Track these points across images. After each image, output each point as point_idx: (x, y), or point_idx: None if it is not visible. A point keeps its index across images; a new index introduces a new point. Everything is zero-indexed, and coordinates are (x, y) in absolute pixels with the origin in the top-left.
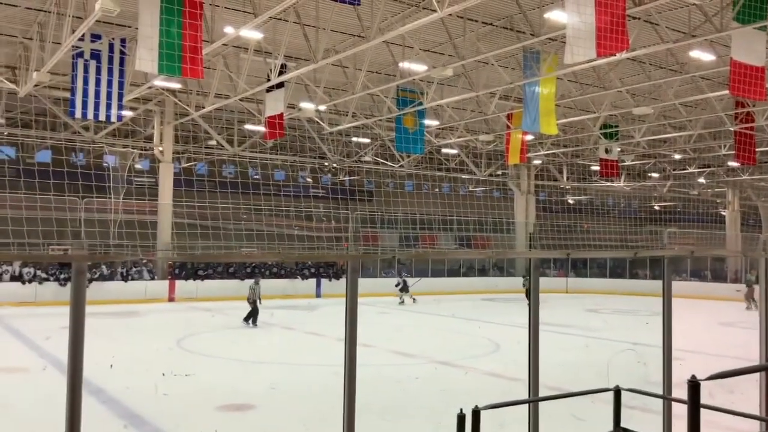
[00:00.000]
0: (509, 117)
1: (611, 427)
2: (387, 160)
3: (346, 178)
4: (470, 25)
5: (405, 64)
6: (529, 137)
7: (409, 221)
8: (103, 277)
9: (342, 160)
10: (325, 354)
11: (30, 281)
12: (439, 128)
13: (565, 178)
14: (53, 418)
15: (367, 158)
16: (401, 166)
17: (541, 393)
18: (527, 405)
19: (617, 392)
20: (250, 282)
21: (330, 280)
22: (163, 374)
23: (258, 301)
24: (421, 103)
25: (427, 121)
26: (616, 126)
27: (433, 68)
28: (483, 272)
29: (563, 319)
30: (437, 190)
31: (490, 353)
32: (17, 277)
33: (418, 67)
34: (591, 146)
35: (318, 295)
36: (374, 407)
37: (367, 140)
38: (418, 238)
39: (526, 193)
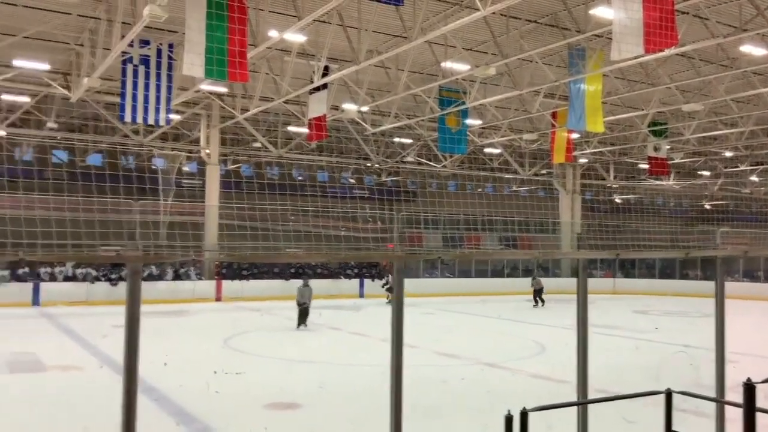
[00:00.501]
0: (554, 115)
1: (662, 431)
2: (430, 161)
3: (389, 178)
4: (513, 23)
5: (447, 64)
6: (575, 135)
7: (452, 221)
8: (152, 277)
9: (385, 160)
10: (371, 354)
11: (82, 281)
12: (482, 127)
13: (611, 177)
14: (107, 415)
15: (409, 158)
16: (444, 166)
17: (590, 395)
18: (576, 407)
19: (668, 395)
20: (296, 282)
21: (373, 280)
22: (215, 372)
23: (308, 303)
24: (463, 103)
25: (469, 121)
26: (665, 123)
27: (475, 67)
28: (528, 273)
29: (611, 321)
30: (480, 190)
31: (535, 355)
32: (70, 277)
33: (461, 67)
34: (639, 144)
35: (361, 296)
36: (421, 407)
37: (409, 141)
38: (462, 238)
39: (571, 192)
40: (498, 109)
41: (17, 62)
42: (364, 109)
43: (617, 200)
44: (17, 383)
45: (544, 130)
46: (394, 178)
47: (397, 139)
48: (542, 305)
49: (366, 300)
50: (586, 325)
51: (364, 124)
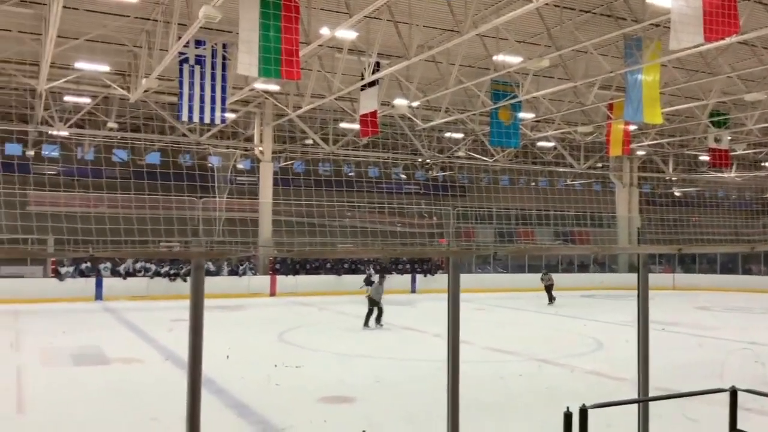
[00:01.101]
0: (610, 107)
1: (726, 430)
2: (481, 155)
3: (440, 173)
4: (567, 14)
5: (499, 57)
6: (632, 127)
7: (504, 216)
8: (208, 272)
9: (436, 155)
10: (425, 349)
11: (142, 276)
12: (535, 121)
13: (670, 170)
14: (171, 405)
15: (460, 153)
16: (496, 160)
17: (651, 393)
18: (636, 405)
19: (733, 393)
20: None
21: (425, 276)
22: (275, 366)
23: (380, 299)
24: (516, 96)
25: (522, 114)
26: (726, 113)
27: (528, 59)
28: (583, 268)
29: (672, 317)
30: (534, 184)
31: (592, 351)
32: (131, 273)
33: (513, 59)
34: (699, 135)
35: (413, 291)
36: (478, 404)
37: (460, 135)
38: (515, 233)
39: (628, 185)
40: (552, 102)
41: (79, 64)
42: (415, 104)
43: (676, 193)
44: (83, 375)
45: (599, 123)
46: (445, 173)
47: (448, 134)
48: (552, 302)
49: (418, 295)
50: (647, 321)
51: (414, 119)
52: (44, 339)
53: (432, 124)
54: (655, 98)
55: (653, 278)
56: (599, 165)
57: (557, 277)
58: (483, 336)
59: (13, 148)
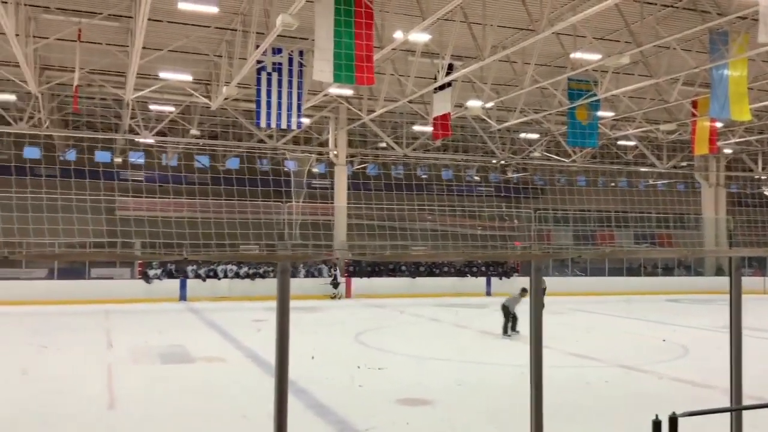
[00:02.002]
0: (694, 104)
1: None
2: (558, 156)
3: (515, 175)
4: (648, 9)
5: (577, 55)
6: (718, 125)
7: (582, 219)
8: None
9: (510, 157)
10: (503, 353)
11: (223, 277)
12: (615, 119)
13: (760, 168)
14: (254, 404)
15: (536, 154)
16: (573, 161)
17: (744, 402)
18: (729, 414)
19: None
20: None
21: (500, 279)
22: (359, 367)
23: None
24: (594, 94)
25: (601, 113)
26: None
27: (607, 57)
28: (668, 271)
29: (765, 323)
30: (613, 185)
31: (680, 358)
32: (212, 275)
33: (591, 57)
34: None
35: (488, 294)
36: (562, 408)
37: (536, 136)
38: (593, 236)
39: (715, 185)
40: (632, 100)
41: (163, 74)
42: (489, 105)
43: (767, 193)
44: (170, 373)
45: (683, 120)
46: (520, 175)
47: (523, 135)
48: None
49: (493, 298)
50: (740, 327)
51: (489, 120)
52: (133, 338)
53: (506, 125)
54: (742, 94)
55: (743, 282)
56: (683, 164)
57: (640, 282)
58: (564, 340)
59: (102, 156)
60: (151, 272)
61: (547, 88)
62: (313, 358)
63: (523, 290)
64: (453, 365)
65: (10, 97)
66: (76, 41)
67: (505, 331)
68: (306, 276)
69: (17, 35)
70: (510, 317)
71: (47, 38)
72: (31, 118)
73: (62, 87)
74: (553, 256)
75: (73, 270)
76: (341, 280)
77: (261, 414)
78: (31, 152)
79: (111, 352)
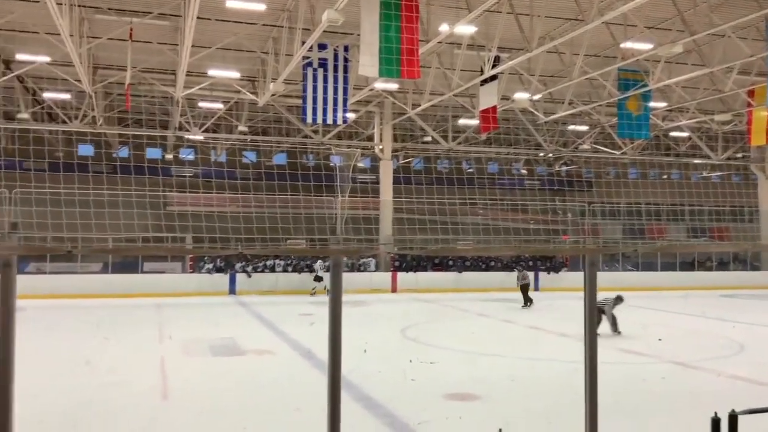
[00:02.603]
0: (750, 93)
1: None
2: (607, 148)
3: (563, 168)
4: None
5: (627, 44)
6: None
7: (633, 212)
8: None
9: (558, 149)
10: (552, 349)
11: (270, 271)
12: (667, 110)
13: None
14: (305, 396)
15: (585, 146)
16: (624, 153)
17: None
18: None
19: None
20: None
21: (548, 273)
22: (411, 361)
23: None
24: (645, 85)
25: (652, 104)
26: None
27: (659, 46)
28: (722, 266)
29: None
30: (665, 177)
31: (737, 354)
32: (259, 270)
33: (643, 46)
34: None
35: (536, 289)
36: (617, 405)
37: (585, 128)
38: (644, 229)
39: None
40: (685, 90)
41: (212, 72)
42: (537, 97)
43: None
44: (222, 365)
45: (738, 110)
46: (569, 168)
47: (571, 127)
48: (530, 305)
49: (541, 293)
50: None
51: (536, 112)
52: (184, 331)
53: (555, 117)
54: None
55: None
56: (739, 155)
57: (694, 276)
58: (618, 336)
59: (153, 153)
60: (204, 266)
61: (596, 78)
62: (365, 351)
63: (618, 298)
64: (502, 360)
65: (66, 96)
66: (127, 40)
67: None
68: (352, 270)
69: (71, 35)
70: (606, 318)
71: (100, 38)
72: (85, 116)
73: (115, 86)
74: (609, 249)
75: (127, 264)
76: (322, 274)
77: (314, 407)
78: (86, 149)
79: (163, 345)
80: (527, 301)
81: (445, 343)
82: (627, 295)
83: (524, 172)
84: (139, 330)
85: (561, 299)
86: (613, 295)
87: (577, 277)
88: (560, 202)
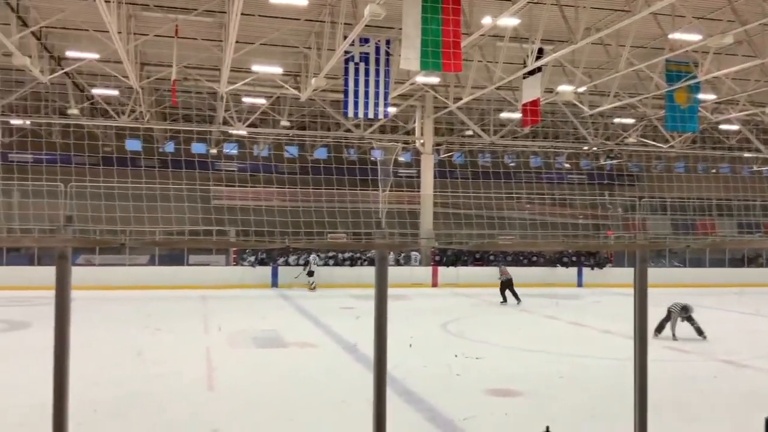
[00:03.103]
0: None
1: None
2: (655, 141)
3: (607, 162)
4: None
5: (675, 35)
6: None
7: (680, 207)
8: (370, 262)
9: (603, 143)
10: (596, 345)
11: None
12: (717, 102)
13: None
14: (346, 389)
15: (631, 140)
16: (671, 146)
17: None
18: None
19: None
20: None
21: (592, 269)
22: (456, 356)
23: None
24: (694, 77)
25: (702, 96)
26: None
27: (709, 37)
28: None
29: None
30: (715, 171)
31: None
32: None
33: (692, 37)
34: None
35: (579, 285)
36: (666, 403)
37: (631, 121)
38: (693, 225)
39: None
40: (735, 81)
41: (255, 67)
42: (581, 89)
43: None
44: (265, 357)
45: None
46: (614, 162)
47: (617, 120)
48: (518, 302)
49: (585, 289)
50: None
51: (580, 105)
52: (228, 322)
53: (599, 109)
54: None
55: None
56: None
57: (744, 273)
58: (664, 333)
59: (198, 147)
60: (246, 259)
61: (643, 70)
62: (410, 346)
63: (684, 309)
64: (546, 357)
65: (114, 92)
66: (173, 37)
67: (658, 329)
68: (394, 264)
69: (119, 33)
70: (668, 322)
71: (147, 35)
72: (132, 111)
73: (161, 82)
74: (661, 245)
75: (173, 256)
76: (315, 268)
77: (360, 399)
78: (133, 144)
79: (209, 336)
80: (505, 298)
81: (488, 339)
82: (675, 292)
83: (568, 166)
84: (186, 321)
85: (605, 295)
86: (681, 301)
87: (621, 273)
88: (605, 196)
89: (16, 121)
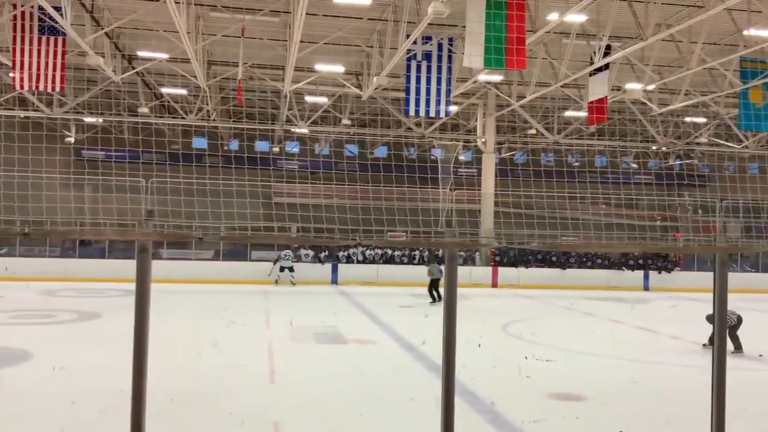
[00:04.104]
0: None
1: None
2: (727, 141)
3: (676, 162)
4: None
5: (751, 32)
6: None
7: (753, 209)
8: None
9: (673, 142)
10: (664, 351)
11: (371, 263)
12: None
13: None
14: (404, 385)
15: (702, 139)
16: (745, 146)
17: None
18: None
19: None
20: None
21: (659, 273)
22: (526, 357)
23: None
24: None
25: None
26: None
27: None
28: None
29: None
30: None
31: None
32: (361, 260)
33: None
34: None
35: (646, 288)
36: (745, 414)
37: (702, 120)
38: (765, 228)
39: None
40: None
41: (318, 66)
42: (650, 87)
43: None
44: (325, 353)
45: None
46: (683, 162)
47: (688, 119)
48: (439, 300)
49: (651, 293)
50: None
51: (649, 103)
52: (290, 317)
53: (669, 108)
54: None
55: None
56: None
57: None
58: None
59: (261, 145)
60: (303, 254)
61: (716, 68)
62: (480, 345)
63: (740, 319)
64: (612, 362)
65: (182, 91)
66: (239, 37)
67: (711, 341)
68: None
69: (188, 33)
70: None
71: (214, 35)
72: (199, 110)
73: (227, 81)
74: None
75: (236, 252)
76: (289, 263)
77: (429, 397)
78: (199, 142)
79: (271, 330)
80: (434, 298)
81: (552, 341)
82: (747, 298)
83: (635, 166)
84: (249, 315)
85: (672, 300)
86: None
87: (689, 278)
88: (673, 197)
89: (89, 119)
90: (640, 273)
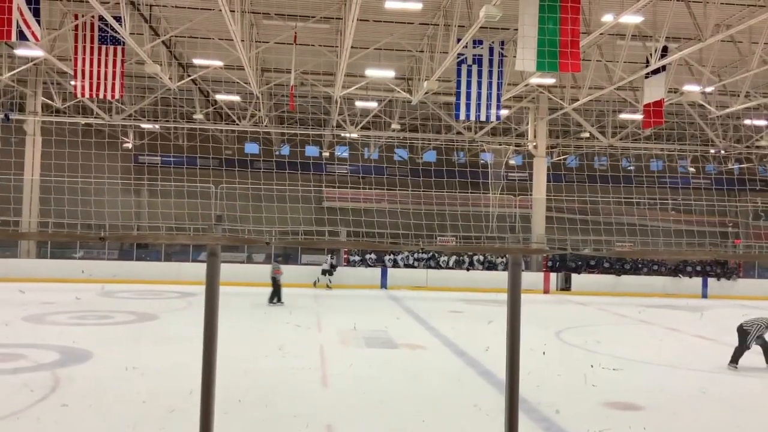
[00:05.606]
0: None
1: None
2: None
3: (736, 166)
4: None
5: None
6: None
7: None
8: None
9: (732, 146)
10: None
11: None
12: None
13: None
14: (455, 390)
15: (763, 143)
16: None
17: None
18: None
19: None
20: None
21: (718, 280)
22: (592, 366)
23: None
24: None
25: None
26: None
27: None
28: None
29: None
30: None
31: None
32: (409, 265)
33: None
34: None
35: (704, 296)
36: None
37: (763, 122)
38: None
39: None
40: None
41: (369, 72)
42: (709, 89)
43: None
44: (376, 357)
45: None
46: (742, 166)
47: (748, 121)
48: (272, 302)
49: (709, 301)
50: None
51: (708, 106)
52: (340, 321)
53: (729, 110)
54: None
55: None
56: None
57: None
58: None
59: (311, 150)
60: (352, 258)
61: None
62: (544, 353)
63: None
64: (672, 371)
65: (235, 98)
66: (292, 44)
67: (734, 360)
68: (503, 269)
69: (242, 41)
70: (745, 346)
71: (267, 42)
72: (252, 116)
73: (279, 87)
74: None
75: (287, 255)
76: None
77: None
78: (251, 147)
79: (322, 333)
80: (274, 297)
81: (604, 349)
82: None
83: (692, 170)
84: (300, 318)
85: (731, 308)
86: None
87: (749, 285)
88: (731, 202)
89: (146, 125)
90: (697, 280)
